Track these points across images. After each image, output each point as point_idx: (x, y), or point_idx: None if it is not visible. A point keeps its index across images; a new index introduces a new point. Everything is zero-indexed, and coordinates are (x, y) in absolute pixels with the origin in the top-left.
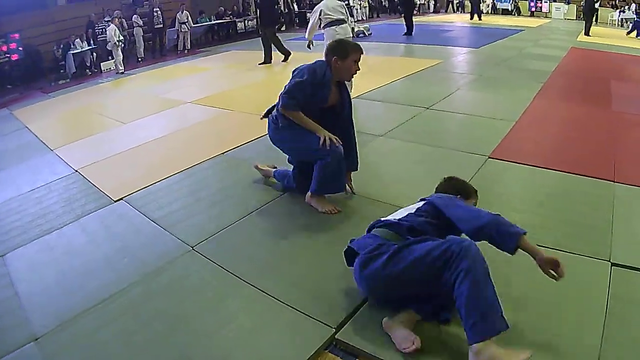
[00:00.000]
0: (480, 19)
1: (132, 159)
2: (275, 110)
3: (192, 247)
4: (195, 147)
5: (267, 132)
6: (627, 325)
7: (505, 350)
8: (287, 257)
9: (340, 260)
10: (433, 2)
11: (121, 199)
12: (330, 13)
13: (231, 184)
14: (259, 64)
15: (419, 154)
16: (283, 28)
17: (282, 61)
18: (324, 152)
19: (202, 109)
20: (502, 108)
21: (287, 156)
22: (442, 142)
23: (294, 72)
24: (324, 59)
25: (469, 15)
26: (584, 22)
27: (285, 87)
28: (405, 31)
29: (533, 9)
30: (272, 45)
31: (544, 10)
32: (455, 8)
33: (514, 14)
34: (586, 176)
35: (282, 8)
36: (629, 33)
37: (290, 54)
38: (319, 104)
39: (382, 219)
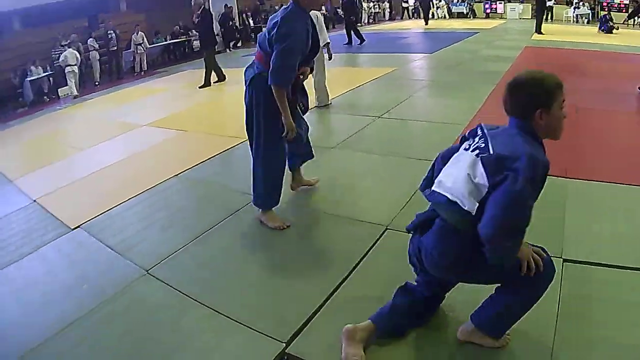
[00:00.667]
0: (426, 24)
1: (89, 186)
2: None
3: (147, 271)
4: (151, 170)
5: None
6: (579, 322)
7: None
8: (237, 275)
9: (289, 275)
10: (388, 10)
11: (79, 226)
12: None
13: (186, 205)
14: (214, 82)
15: (372, 163)
16: (239, 44)
17: (215, 82)
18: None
19: (158, 131)
20: (454, 112)
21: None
22: (395, 150)
23: (276, 37)
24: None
25: (423, 21)
26: (537, 19)
27: (274, 58)
28: (346, 42)
29: (488, 11)
30: (207, 66)
31: (499, 11)
32: (410, 14)
33: (470, 17)
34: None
35: (237, 24)
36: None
37: (224, 79)
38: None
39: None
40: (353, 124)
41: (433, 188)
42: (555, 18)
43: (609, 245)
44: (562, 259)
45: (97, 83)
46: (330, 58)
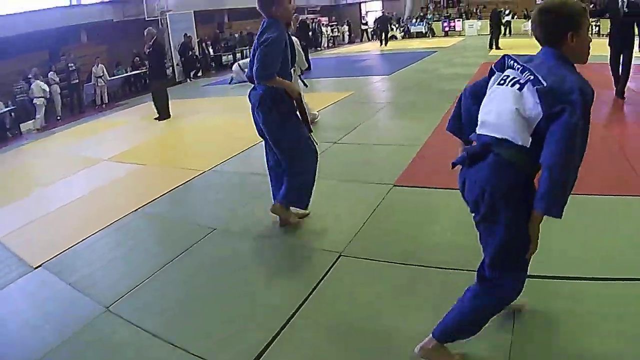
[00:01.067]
0: (385, 45)
1: (51, 223)
2: (259, 95)
3: (107, 308)
4: (112, 205)
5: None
6: (533, 340)
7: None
8: (197, 307)
9: (248, 303)
10: (348, 33)
11: (41, 265)
12: None
13: (145, 240)
14: (155, 119)
15: (328, 189)
16: (200, 73)
17: (155, 119)
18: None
19: (118, 165)
20: (409, 133)
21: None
22: (351, 175)
23: (260, 42)
24: (269, 19)
25: (384, 43)
26: (491, 36)
27: (257, 56)
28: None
29: (447, 29)
30: (153, 99)
31: (457, 29)
32: (370, 36)
33: (429, 36)
34: None
35: (197, 53)
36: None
37: (168, 117)
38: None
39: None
40: None
41: (477, 131)
42: (513, 32)
43: (567, 258)
44: None
45: (59, 117)
46: (305, 86)
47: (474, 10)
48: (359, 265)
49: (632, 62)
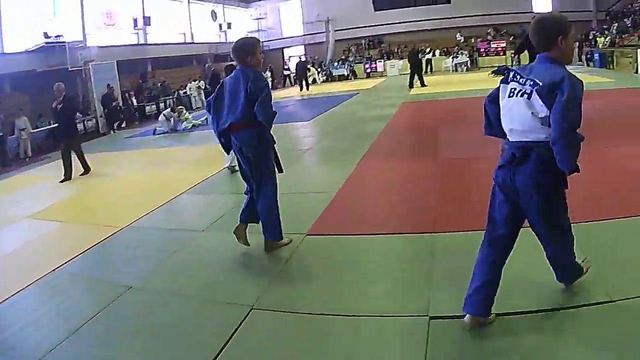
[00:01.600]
0: (307, 89)
1: None
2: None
3: None
4: (30, 265)
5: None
6: None
7: None
8: None
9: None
10: (270, 79)
11: None
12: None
13: (62, 301)
14: (60, 182)
15: (238, 245)
16: (123, 125)
17: (61, 181)
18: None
19: (39, 223)
20: (325, 180)
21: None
22: (259, 227)
23: (256, 94)
24: (246, 68)
25: (304, 88)
26: (413, 75)
27: (260, 103)
28: None
29: (369, 70)
30: (63, 158)
31: (379, 69)
32: (292, 82)
33: (351, 78)
34: (408, 233)
35: (120, 104)
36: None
37: (70, 177)
38: None
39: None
40: (226, 202)
41: (510, 138)
42: (435, 69)
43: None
44: (428, 317)
45: None
46: None
47: (396, 50)
48: (271, 318)
49: None
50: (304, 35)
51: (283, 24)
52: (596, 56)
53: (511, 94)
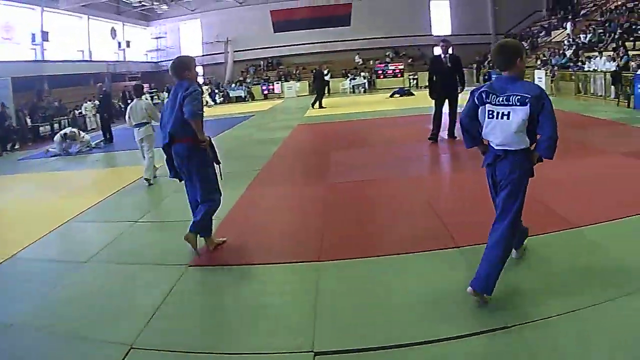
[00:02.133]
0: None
1: None
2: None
3: None
4: None
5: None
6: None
7: None
8: None
9: None
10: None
11: None
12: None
13: None
14: None
15: (116, 274)
16: (17, 146)
17: None
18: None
19: None
20: None
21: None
22: (145, 257)
23: (185, 98)
24: (182, 81)
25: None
26: (316, 96)
27: (189, 107)
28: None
29: (266, 92)
30: None
31: (276, 91)
32: None
33: (248, 100)
34: (293, 262)
35: (13, 124)
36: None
37: None
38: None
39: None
40: (112, 230)
41: (495, 146)
42: (332, 91)
43: (362, 327)
44: (313, 353)
45: None
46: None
47: (294, 72)
48: (152, 358)
49: (457, 109)
50: (203, 55)
51: (182, 44)
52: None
53: (490, 116)
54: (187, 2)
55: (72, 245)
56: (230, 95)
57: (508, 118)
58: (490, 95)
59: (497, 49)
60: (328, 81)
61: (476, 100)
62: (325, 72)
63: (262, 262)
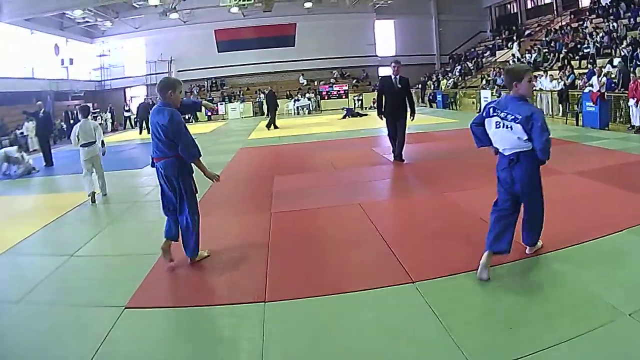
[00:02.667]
0: (148, 133)
1: None
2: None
3: None
4: None
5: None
6: None
7: None
8: None
9: None
10: (111, 121)
11: None
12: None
13: None
14: None
15: (55, 320)
16: None
17: None
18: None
19: None
20: (149, 238)
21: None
22: (78, 297)
23: (168, 127)
24: (161, 102)
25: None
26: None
27: (183, 141)
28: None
29: (210, 113)
30: None
31: (220, 112)
32: (133, 124)
33: (192, 121)
34: (237, 304)
35: None
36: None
37: None
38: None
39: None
40: (48, 265)
41: (504, 152)
42: (278, 112)
43: None
44: None
45: None
46: (103, 154)
47: (238, 93)
48: None
49: (405, 131)
50: (147, 74)
51: (126, 62)
52: (439, 97)
53: (497, 126)
54: (131, 19)
55: (3, 283)
56: None
57: (511, 129)
58: (497, 110)
59: (504, 72)
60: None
61: (484, 113)
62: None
63: (202, 303)
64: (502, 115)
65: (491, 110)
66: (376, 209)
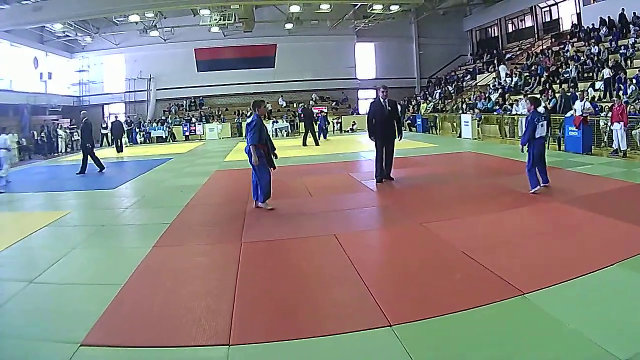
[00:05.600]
0: (121, 151)
1: None
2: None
3: None
4: None
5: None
6: None
7: None
8: None
9: None
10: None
11: None
12: None
13: None
14: None
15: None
16: None
17: None
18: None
19: None
20: (112, 267)
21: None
22: (30, 330)
23: (247, 127)
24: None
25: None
26: (307, 134)
27: (249, 133)
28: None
29: (187, 133)
30: None
31: (198, 132)
32: (109, 142)
33: (169, 140)
34: (201, 346)
35: None
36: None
37: None
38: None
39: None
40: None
41: (541, 135)
42: None
43: None
44: None
45: None
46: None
47: (217, 113)
48: None
49: (394, 152)
50: (126, 92)
51: (105, 79)
52: (419, 121)
53: (541, 126)
54: (111, 35)
55: None
56: (152, 135)
57: (542, 125)
58: (538, 118)
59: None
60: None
61: (534, 122)
62: (249, 113)
63: (162, 344)
64: (541, 120)
65: (535, 119)
66: (353, 241)
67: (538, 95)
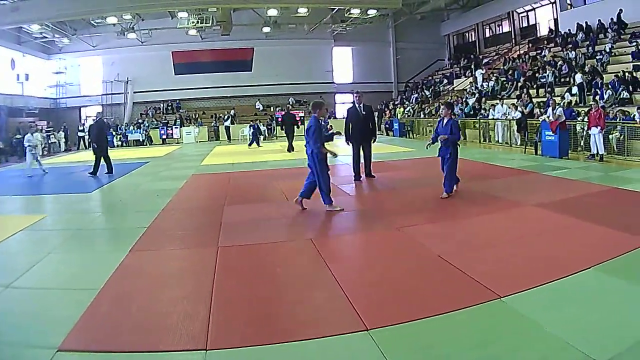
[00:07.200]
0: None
1: None
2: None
3: None
4: None
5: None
6: None
7: None
8: None
9: None
10: (64, 141)
11: None
12: None
13: None
14: None
15: None
16: None
17: None
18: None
19: None
20: (91, 271)
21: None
22: (6, 335)
23: (307, 130)
24: (314, 116)
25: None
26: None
27: (312, 136)
28: None
29: (164, 137)
30: None
31: (175, 136)
32: (87, 145)
33: (146, 144)
34: (177, 351)
35: None
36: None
37: None
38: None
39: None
40: None
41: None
42: (232, 138)
43: None
44: None
45: None
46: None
47: (194, 116)
48: None
49: (372, 151)
50: (103, 94)
51: (82, 81)
52: (395, 126)
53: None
54: (88, 37)
55: None
56: (129, 138)
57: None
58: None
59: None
60: (228, 127)
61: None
62: (225, 117)
63: (139, 349)
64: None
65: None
66: (329, 246)
67: (514, 101)
